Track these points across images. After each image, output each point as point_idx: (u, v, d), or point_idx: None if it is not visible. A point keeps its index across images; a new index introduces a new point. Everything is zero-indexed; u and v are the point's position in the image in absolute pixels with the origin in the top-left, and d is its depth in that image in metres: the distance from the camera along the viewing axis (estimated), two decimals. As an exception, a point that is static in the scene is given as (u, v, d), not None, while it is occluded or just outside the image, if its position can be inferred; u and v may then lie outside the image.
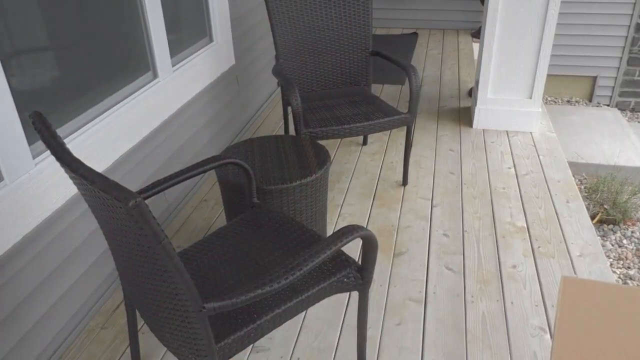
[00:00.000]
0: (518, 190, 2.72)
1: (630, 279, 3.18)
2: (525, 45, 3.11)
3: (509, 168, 2.93)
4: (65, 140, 1.83)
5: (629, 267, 3.27)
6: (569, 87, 5.53)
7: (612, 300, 1.08)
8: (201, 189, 2.81)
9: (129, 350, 1.82)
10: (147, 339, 1.87)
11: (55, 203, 1.72)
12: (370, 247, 1.44)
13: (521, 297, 2.01)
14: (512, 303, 1.98)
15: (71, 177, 1.13)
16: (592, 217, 3.59)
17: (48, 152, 1.73)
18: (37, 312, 1.69)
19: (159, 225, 0.98)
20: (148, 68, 2.34)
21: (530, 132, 3.34)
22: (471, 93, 3.95)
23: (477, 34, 5.49)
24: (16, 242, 1.57)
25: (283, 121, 3.51)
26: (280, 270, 1.22)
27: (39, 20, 1.72)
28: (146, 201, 2.29)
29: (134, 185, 2.21)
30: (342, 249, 1.99)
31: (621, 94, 5.42)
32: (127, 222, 1.01)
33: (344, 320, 1.92)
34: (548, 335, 1.84)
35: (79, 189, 1.17)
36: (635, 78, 5.32)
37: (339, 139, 3.30)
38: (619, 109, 5.42)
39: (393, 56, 2.67)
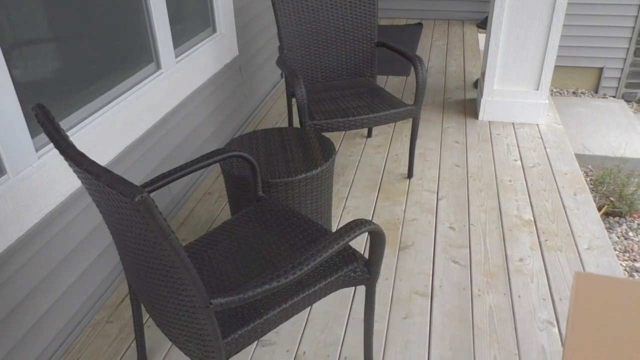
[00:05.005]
0: (524, 182, 2.69)
1: (636, 271, 3.16)
2: (533, 35, 3.07)
3: (515, 160, 2.90)
4: (69, 133, 1.81)
5: (635, 260, 3.25)
6: (574, 78, 5.48)
7: (627, 296, 1.06)
8: (205, 182, 2.79)
9: (134, 344, 1.82)
10: (153, 333, 1.86)
11: (59, 196, 1.70)
12: (378, 241, 1.42)
13: (528, 290, 1.99)
14: (519, 296, 1.97)
15: (75, 171, 1.12)
16: (598, 210, 3.56)
17: (51, 144, 1.72)
18: (42, 306, 1.68)
19: (165, 221, 0.97)
20: (151, 59, 2.32)
21: (537, 124, 3.31)
22: (477, 84, 3.91)
23: (482, 24, 5.44)
24: (20, 236, 1.56)
25: (287, 113, 3.49)
26: (288, 265, 1.20)
27: (41, 11, 1.69)
28: (150, 195, 2.27)
29: (137, 178, 2.19)
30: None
31: (627, 85, 5.37)
32: (132, 217, 0.99)
33: (350, 313, 1.91)
34: (556, 329, 1.82)
35: (83, 183, 1.15)
36: (642, 69, 5.27)
37: (344, 131, 3.27)
38: (625, 100, 5.38)
39: (399, 47, 2.64)
